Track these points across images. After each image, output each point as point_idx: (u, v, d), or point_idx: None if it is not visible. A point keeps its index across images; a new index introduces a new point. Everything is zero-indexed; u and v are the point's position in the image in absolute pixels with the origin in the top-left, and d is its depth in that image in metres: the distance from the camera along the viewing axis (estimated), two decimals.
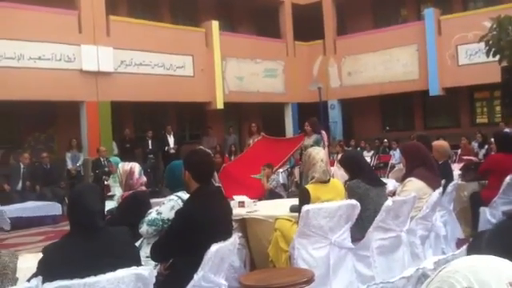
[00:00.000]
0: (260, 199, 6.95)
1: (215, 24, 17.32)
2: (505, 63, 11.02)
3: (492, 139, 10.66)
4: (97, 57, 13.98)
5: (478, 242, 1.38)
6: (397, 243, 4.72)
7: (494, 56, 10.95)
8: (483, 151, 13.94)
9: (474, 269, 0.82)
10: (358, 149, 16.98)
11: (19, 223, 10.07)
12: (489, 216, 6.07)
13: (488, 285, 0.78)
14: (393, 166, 14.01)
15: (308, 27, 19.78)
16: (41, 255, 2.66)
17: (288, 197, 8.22)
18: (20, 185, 12.29)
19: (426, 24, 17.83)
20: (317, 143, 8.81)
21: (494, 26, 10.91)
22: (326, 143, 9.59)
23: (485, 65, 14.33)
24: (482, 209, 6.21)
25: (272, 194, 8.33)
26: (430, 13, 17.89)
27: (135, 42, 14.86)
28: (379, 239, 4.64)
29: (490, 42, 10.89)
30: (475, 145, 15.19)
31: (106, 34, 14.45)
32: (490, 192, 6.34)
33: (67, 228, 2.80)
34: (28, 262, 3.06)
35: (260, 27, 20.28)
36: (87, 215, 2.63)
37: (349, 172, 5.01)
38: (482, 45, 11.60)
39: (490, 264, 0.83)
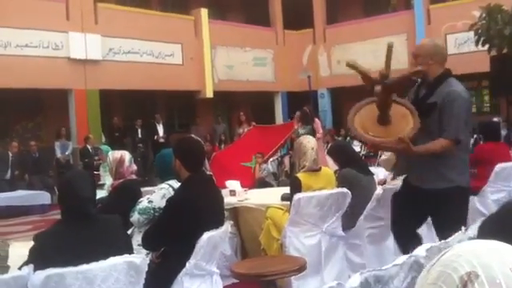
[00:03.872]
0: (250, 188, 6.95)
1: (204, 12, 17.22)
2: (494, 52, 11.08)
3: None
4: (85, 44, 13.85)
5: (484, 225, 1.38)
6: (387, 232, 4.73)
7: (483, 45, 11.01)
8: (471, 141, 14.02)
9: (477, 253, 0.81)
10: (348, 138, 17.01)
11: (8, 212, 10.02)
12: (478, 205, 6.11)
13: (491, 268, 0.78)
14: (382, 155, 14.03)
15: (298, 15, 19.73)
16: (32, 243, 2.64)
17: (278, 186, 8.24)
18: (9, 174, 12.20)
19: (416, 13, 17.86)
20: (309, 133, 8.82)
21: (484, 15, 10.95)
22: (321, 131, 9.61)
23: (473, 54, 14.42)
24: (471, 198, 6.21)
25: (262, 183, 8.35)
26: (419, 2, 17.90)
27: (124, 30, 14.74)
28: (370, 228, 4.67)
29: (480, 31, 10.95)
30: None
31: (94, 21, 14.32)
32: (478, 182, 6.36)
33: (56, 217, 2.79)
34: (18, 250, 3.04)
35: (249, 15, 20.19)
36: (78, 202, 2.62)
37: (337, 162, 5.02)
38: (471, 34, 11.66)
39: (493, 248, 0.83)
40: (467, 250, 0.83)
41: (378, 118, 3.55)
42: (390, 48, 3.52)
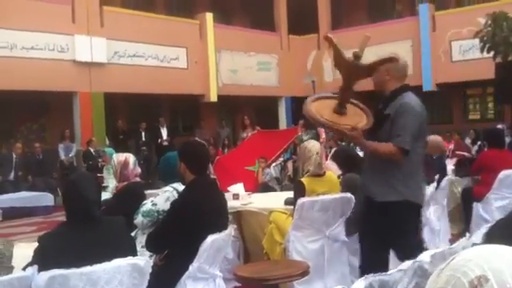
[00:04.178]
0: (253, 192, 6.95)
1: (209, 16, 17.27)
2: (499, 59, 11.08)
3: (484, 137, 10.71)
4: (90, 47, 13.90)
5: (492, 230, 1.39)
6: None
7: (488, 52, 11.01)
8: (476, 147, 14.01)
9: (487, 257, 0.81)
10: (351, 144, 16.99)
11: (11, 213, 10.03)
12: (482, 211, 6.10)
13: (502, 273, 0.78)
14: None
15: (302, 20, 19.75)
16: (36, 244, 2.65)
17: (281, 190, 8.23)
18: (12, 175, 12.23)
19: (421, 19, 17.84)
20: (313, 138, 8.83)
21: (489, 22, 10.96)
22: (324, 135, 9.62)
23: (478, 61, 14.39)
24: (475, 204, 6.24)
25: (265, 188, 8.34)
26: (424, 8, 17.90)
27: (129, 33, 14.79)
28: None
29: (485, 38, 10.94)
30: (468, 141, 15.25)
31: (100, 24, 14.37)
32: (482, 188, 6.37)
33: (60, 219, 2.80)
34: (22, 250, 3.05)
35: (254, 20, 20.22)
36: (83, 204, 2.62)
37: (342, 167, 5.02)
38: (476, 41, 11.66)
39: (503, 253, 0.83)
40: (477, 254, 0.83)
41: (335, 108, 3.66)
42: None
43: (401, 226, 3.57)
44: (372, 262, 3.56)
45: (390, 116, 3.56)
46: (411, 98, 3.62)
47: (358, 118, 3.69)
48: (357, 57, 3.54)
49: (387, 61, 3.63)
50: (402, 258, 3.61)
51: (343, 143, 15.73)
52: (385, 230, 3.60)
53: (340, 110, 3.67)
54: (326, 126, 3.72)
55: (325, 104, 3.75)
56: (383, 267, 3.52)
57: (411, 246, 3.58)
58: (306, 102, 3.71)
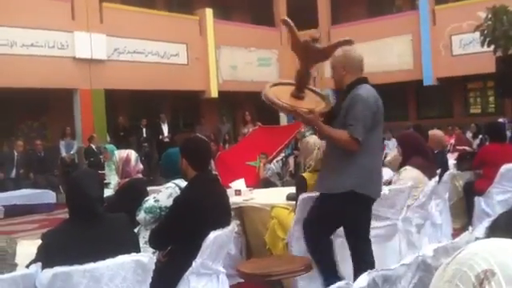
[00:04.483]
0: (254, 187, 6.95)
1: (209, 12, 17.24)
2: (499, 53, 11.07)
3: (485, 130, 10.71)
4: (90, 44, 13.89)
5: (497, 223, 1.38)
6: (392, 232, 4.74)
7: (488, 46, 11.00)
8: (477, 141, 14.00)
9: (493, 251, 0.81)
10: None
11: (13, 211, 10.05)
12: (484, 205, 6.10)
13: (508, 267, 0.78)
14: (387, 156, 14.02)
15: (302, 16, 19.67)
16: (39, 242, 2.65)
17: (283, 186, 8.23)
18: (14, 172, 12.26)
19: (421, 13, 17.82)
20: (314, 133, 8.81)
21: (489, 15, 10.94)
22: None
23: (478, 55, 14.38)
24: (477, 198, 6.24)
25: (266, 183, 8.34)
26: (424, 2, 17.86)
27: (129, 30, 14.77)
28: (375, 228, 4.64)
29: (485, 32, 10.93)
30: (469, 135, 15.24)
31: (100, 20, 14.36)
32: (484, 182, 6.37)
33: (61, 216, 2.81)
34: (25, 248, 3.05)
35: (254, 15, 20.20)
36: (86, 201, 2.62)
37: None
38: (476, 35, 11.64)
39: (509, 247, 0.83)
40: (483, 248, 0.83)
41: (293, 93, 3.78)
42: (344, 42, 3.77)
43: (346, 216, 3.71)
44: (315, 246, 3.81)
45: (343, 108, 3.64)
46: (364, 90, 3.65)
47: (315, 103, 3.78)
48: (314, 40, 3.62)
49: (343, 43, 3.73)
50: (352, 249, 3.81)
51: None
52: (328, 218, 3.75)
53: (298, 95, 3.77)
54: (284, 108, 3.79)
55: (283, 89, 3.84)
56: (327, 251, 3.85)
57: (358, 238, 3.78)
58: (264, 87, 3.81)
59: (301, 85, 3.78)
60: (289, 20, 3.65)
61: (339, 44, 3.72)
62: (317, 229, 3.79)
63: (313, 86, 3.97)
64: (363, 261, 3.73)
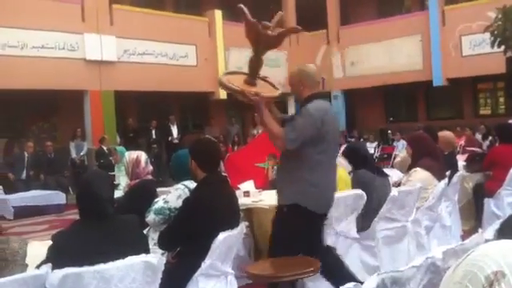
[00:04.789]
0: (263, 189, 6.95)
1: (218, 13, 17.27)
2: (510, 54, 11.01)
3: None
4: (100, 46, 13.96)
5: (506, 225, 1.38)
6: (402, 233, 4.73)
7: (498, 46, 10.94)
8: (487, 142, 13.92)
9: (503, 252, 0.81)
10: (361, 140, 16.97)
11: (23, 212, 10.11)
12: (493, 207, 6.07)
13: None
14: (396, 157, 13.99)
15: (311, 16, 19.70)
16: (49, 243, 2.67)
17: None
18: (24, 174, 12.35)
19: (430, 14, 17.76)
20: None
21: (499, 16, 10.88)
22: None
23: (488, 55, 14.32)
24: (486, 200, 6.20)
25: (275, 185, 8.32)
26: (434, 3, 17.79)
27: (138, 31, 14.83)
28: (384, 229, 4.65)
29: (495, 33, 10.87)
30: (479, 136, 15.16)
31: (109, 22, 14.42)
32: (494, 184, 6.33)
33: (71, 217, 2.82)
34: (36, 249, 3.07)
35: (262, 16, 20.15)
36: (97, 203, 2.64)
37: (352, 163, 5.01)
38: (486, 35, 11.59)
39: None
40: (493, 249, 0.83)
41: (246, 79, 3.95)
42: (279, 15, 4.09)
43: (284, 229, 3.75)
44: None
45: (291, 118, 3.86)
46: (314, 105, 3.71)
47: (268, 90, 3.96)
48: (265, 27, 3.80)
49: (292, 30, 3.99)
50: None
51: (352, 139, 15.68)
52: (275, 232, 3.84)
53: (251, 81, 3.93)
54: (233, 90, 3.86)
55: (238, 77, 4.02)
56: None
57: (317, 253, 3.71)
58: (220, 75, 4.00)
59: (253, 71, 3.93)
60: (244, 8, 3.91)
61: (288, 31, 3.95)
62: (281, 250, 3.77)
63: (269, 78, 4.16)
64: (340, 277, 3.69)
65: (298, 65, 4.00)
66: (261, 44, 3.83)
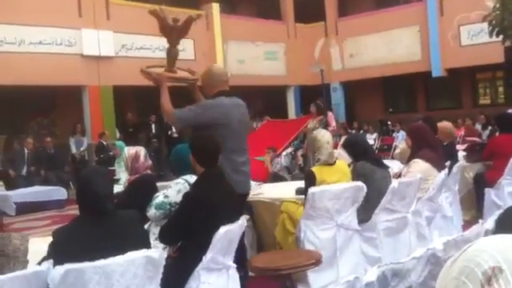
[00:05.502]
0: (264, 182, 6.96)
1: (215, 6, 17.21)
2: (508, 43, 10.98)
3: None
4: (97, 41, 13.92)
5: (505, 217, 1.38)
6: (403, 224, 4.74)
7: (497, 36, 10.90)
8: (487, 132, 13.91)
9: (501, 248, 0.81)
10: (361, 131, 16.97)
11: (24, 208, 10.11)
12: (494, 197, 6.07)
13: None
14: (396, 148, 14.00)
15: (309, 8, 19.64)
16: (50, 239, 2.67)
17: (292, 180, 8.23)
18: (25, 170, 12.35)
19: (428, 4, 17.69)
20: (322, 125, 8.79)
21: (498, 5, 10.84)
22: (334, 124, 9.58)
23: (487, 45, 14.27)
24: (487, 190, 6.20)
25: (275, 177, 8.34)
26: None
27: (136, 26, 14.75)
28: (385, 221, 4.66)
29: (494, 22, 10.83)
30: (478, 126, 15.15)
31: (106, 17, 14.37)
32: (494, 173, 6.33)
33: (73, 212, 2.82)
34: (37, 245, 3.08)
35: (260, 9, 20.13)
36: (96, 198, 2.64)
37: (352, 155, 5.01)
38: (485, 25, 11.54)
39: None
40: (491, 245, 0.82)
41: (166, 68, 4.46)
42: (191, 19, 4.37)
43: None
44: None
45: None
46: (214, 100, 4.19)
47: (184, 75, 4.55)
48: (175, 20, 4.27)
49: (191, 19, 4.31)
50: None
51: (352, 131, 15.67)
52: None
53: (170, 70, 4.44)
54: (143, 72, 4.35)
55: (159, 69, 4.50)
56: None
57: None
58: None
59: (171, 61, 4.45)
60: (157, 8, 4.39)
61: (190, 20, 4.31)
62: None
63: (190, 68, 4.71)
64: None
65: (208, 65, 4.60)
66: (172, 36, 4.35)
